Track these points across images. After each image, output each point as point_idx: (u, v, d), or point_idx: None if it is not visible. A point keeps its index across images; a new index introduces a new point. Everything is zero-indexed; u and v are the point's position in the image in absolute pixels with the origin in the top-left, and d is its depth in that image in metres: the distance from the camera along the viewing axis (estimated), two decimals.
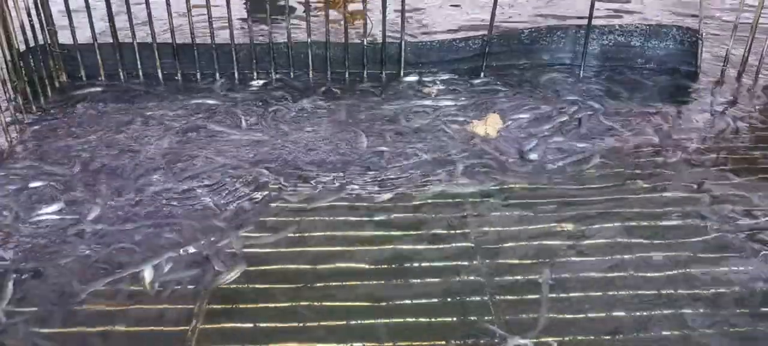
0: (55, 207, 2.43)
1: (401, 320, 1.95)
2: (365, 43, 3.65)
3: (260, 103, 3.33)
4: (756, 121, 3.17)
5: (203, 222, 2.37)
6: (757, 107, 3.30)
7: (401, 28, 3.58)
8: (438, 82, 3.55)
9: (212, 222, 2.36)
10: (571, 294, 2.03)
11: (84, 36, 3.56)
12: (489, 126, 3.01)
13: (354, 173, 2.69)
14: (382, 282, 2.10)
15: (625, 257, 2.20)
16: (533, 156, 2.78)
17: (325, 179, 2.65)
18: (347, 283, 2.09)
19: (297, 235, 2.33)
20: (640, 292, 2.04)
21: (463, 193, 2.55)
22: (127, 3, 3.45)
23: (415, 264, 2.18)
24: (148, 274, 2.10)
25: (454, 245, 2.27)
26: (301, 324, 1.93)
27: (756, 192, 2.52)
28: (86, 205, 2.44)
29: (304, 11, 3.67)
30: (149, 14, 3.49)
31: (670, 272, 2.12)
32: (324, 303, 2.01)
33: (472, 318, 1.94)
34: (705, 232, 2.31)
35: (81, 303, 1.99)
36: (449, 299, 2.02)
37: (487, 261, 2.18)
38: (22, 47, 3.39)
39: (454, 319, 1.94)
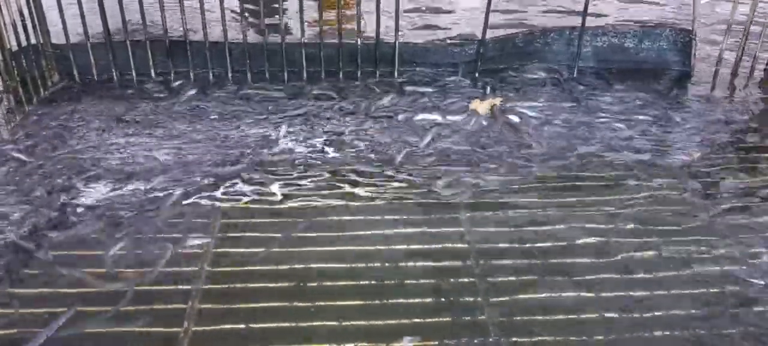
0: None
1: (395, 320, 1.94)
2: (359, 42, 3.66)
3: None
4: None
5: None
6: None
7: (395, 30, 3.59)
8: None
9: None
10: (563, 294, 2.03)
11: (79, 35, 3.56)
12: (485, 105, 3.16)
13: (349, 171, 2.69)
14: (376, 282, 2.09)
15: (622, 256, 2.20)
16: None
17: (321, 177, 2.65)
18: (340, 283, 2.09)
19: (290, 234, 2.32)
20: (631, 293, 2.04)
21: (459, 192, 2.55)
22: (121, 3, 3.44)
23: (410, 263, 2.17)
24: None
25: (447, 245, 2.27)
26: (293, 324, 1.92)
27: None
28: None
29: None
30: (142, 13, 3.48)
31: (665, 273, 2.12)
32: (317, 303, 2.00)
33: (466, 318, 1.94)
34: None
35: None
36: (442, 299, 2.02)
37: (481, 262, 2.18)
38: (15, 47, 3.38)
39: (447, 319, 1.94)
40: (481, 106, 3.21)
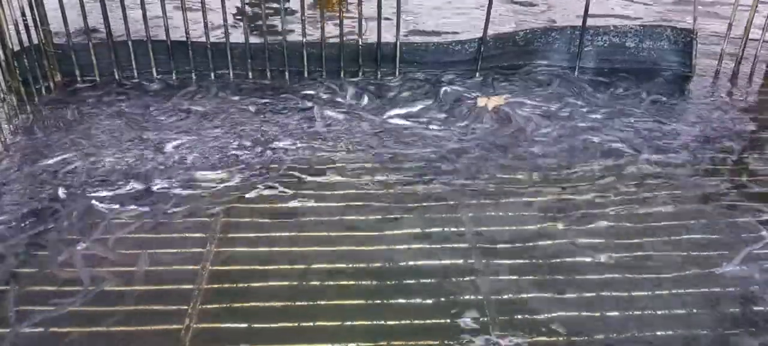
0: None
1: (396, 321, 1.95)
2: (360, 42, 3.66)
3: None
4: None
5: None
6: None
7: (396, 29, 3.59)
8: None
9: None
10: (566, 295, 2.04)
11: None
12: (491, 102, 3.22)
13: (350, 171, 2.69)
14: (377, 282, 2.10)
15: (621, 255, 2.20)
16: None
17: (322, 177, 2.65)
18: (342, 282, 2.09)
19: (291, 234, 2.32)
20: (633, 293, 2.04)
21: (459, 192, 2.55)
22: (123, 2, 3.45)
23: (411, 263, 2.18)
24: None
25: (448, 245, 2.27)
26: (295, 324, 1.92)
27: None
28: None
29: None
30: (144, 13, 3.48)
31: (664, 273, 2.13)
32: (318, 303, 2.01)
33: (467, 318, 1.94)
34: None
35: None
36: (443, 299, 2.02)
37: (482, 261, 2.18)
38: (17, 47, 3.39)
39: (448, 319, 1.95)
40: (489, 102, 3.24)
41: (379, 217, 2.42)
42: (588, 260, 2.19)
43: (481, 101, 3.27)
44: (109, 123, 3.10)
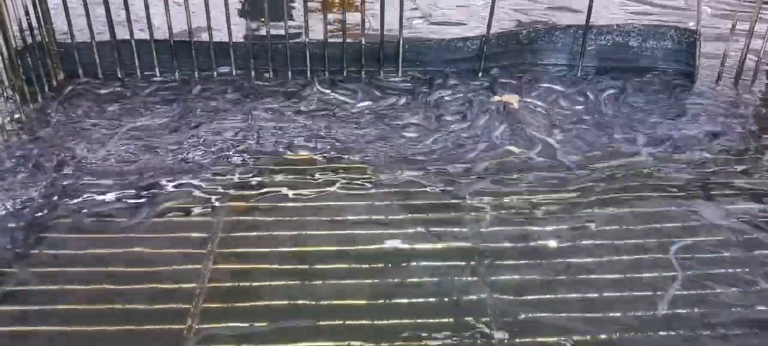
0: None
1: (398, 320, 1.95)
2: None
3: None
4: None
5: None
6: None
7: (399, 27, 3.58)
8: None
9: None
10: (567, 294, 2.03)
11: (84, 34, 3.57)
12: (503, 100, 3.26)
13: (353, 171, 2.70)
14: (379, 281, 2.10)
15: (623, 256, 2.20)
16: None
17: (324, 177, 2.66)
18: (344, 282, 2.09)
19: (294, 232, 2.32)
20: (635, 293, 2.04)
21: (462, 191, 2.55)
22: (126, 3, 3.45)
23: (413, 263, 2.18)
24: None
25: (451, 244, 2.27)
26: (297, 323, 1.92)
27: None
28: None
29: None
30: (148, 12, 3.49)
31: (665, 273, 2.12)
32: (321, 302, 2.01)
33: (469, 319, 1.94)
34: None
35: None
36: (446, 299, 2.02)
37: (485, 261, 2.18)
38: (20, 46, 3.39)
39: (451, 319, 1.94)
40: (502, 100, 3.25)
41: (383, 216, 2.42)
42: (590, 259, 2.19)
43: (494, 98, 3.27)
44: (111, 122, 3.11)
